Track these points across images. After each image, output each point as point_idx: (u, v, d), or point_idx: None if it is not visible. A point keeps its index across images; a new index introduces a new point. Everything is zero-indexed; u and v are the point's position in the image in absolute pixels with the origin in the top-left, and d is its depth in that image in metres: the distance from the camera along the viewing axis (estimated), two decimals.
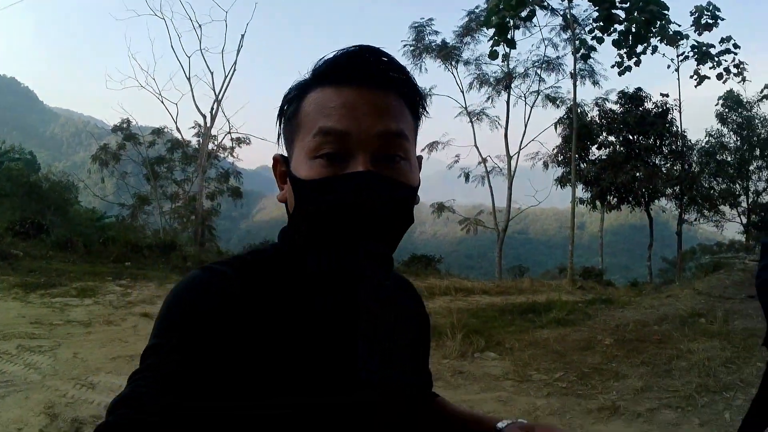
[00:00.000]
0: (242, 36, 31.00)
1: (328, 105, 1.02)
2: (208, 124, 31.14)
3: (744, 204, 29.36)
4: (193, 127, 35.93)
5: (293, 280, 1.06)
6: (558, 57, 29.13)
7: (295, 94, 1.11)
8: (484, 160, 30.31)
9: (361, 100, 1.02)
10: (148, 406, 0.81)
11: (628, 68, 24.62)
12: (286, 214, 1.15)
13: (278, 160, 1.16)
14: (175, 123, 46.17)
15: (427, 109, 1.16)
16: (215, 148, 34.17)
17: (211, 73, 30.70)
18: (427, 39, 29.46)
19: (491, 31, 24.66)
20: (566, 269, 23.30)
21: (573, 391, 7.04)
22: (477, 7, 28.05)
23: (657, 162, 28.42)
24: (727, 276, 13.84)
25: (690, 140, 29.41)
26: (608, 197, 27.66)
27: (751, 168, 28.90)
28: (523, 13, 23.97)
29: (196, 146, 34.84)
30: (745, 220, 29.38)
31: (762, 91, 29.44)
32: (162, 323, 0.95)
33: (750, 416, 4.17)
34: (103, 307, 10.92)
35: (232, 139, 35.16)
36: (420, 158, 1.18)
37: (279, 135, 1.16)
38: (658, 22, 23.25)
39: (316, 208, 1.01)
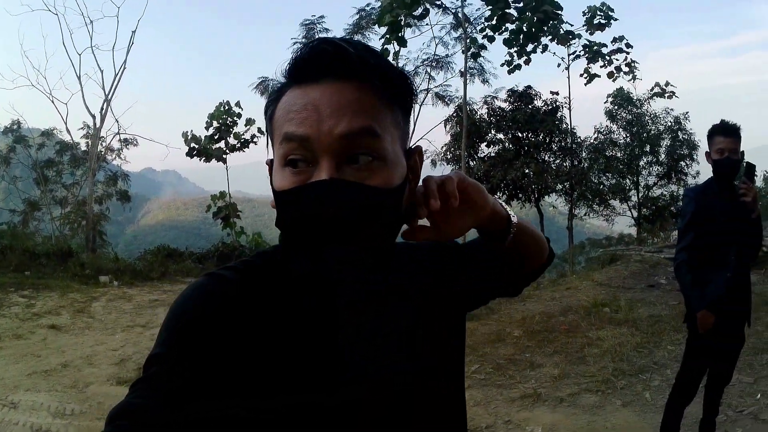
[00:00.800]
0: (133, 32, 30.03)
1: (292, 108, 0.99)
2: (98, 125, 30.07)
3: (634, 198, 30.43)
4: (82, 128, 34.63)
5: (283, 284, 1.05)
6: (448, 55, 29.34)
7: (274, 96, 1.06)
8: None
9: (324, 98, 0.97)
10: (147, 419, 0.81)
11: (518, 66, 25.09)
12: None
13: (268, 165, 1.11)
14: (65, 124, 44.58)
15: (414, 93, 1.11)
16: (103, 150, 33.04)
17: (101, 72, 29.59)
18: (317, 36, 29.30)
19: (383, 29, 24.90)
20: None
21: (492, 382, 7.16)
22: (368, 5, 27.97)
23: (547, 158, 29.14)
24: (625, 267, 14.39)
25: (579, 137, 30.28)
26: (498, 194, 28.16)
27: (641, 163, 29.94)
28: (417, 12, 24.18)
29: (86, 148, 33.54)
30: (635, 214, 30.44)
31: (653, 89, 30.63)
32: (164, 333, 0.94)
33: (674, 393, 4.36)
34: (9, 320, 10.48)
35: (120, 141, 34.08)
36: (419, 149, 1.16)
37: (267, 140, 1.11)
38: (551, 22, 23.89)
39: (285, 218, 0.99)
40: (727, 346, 4.44)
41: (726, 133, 4.27)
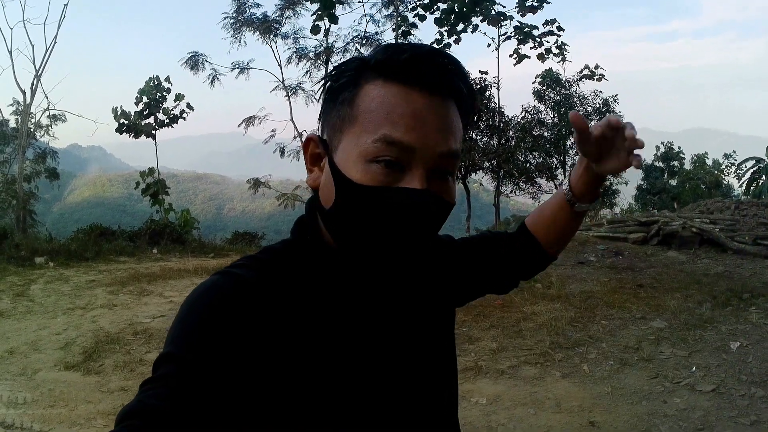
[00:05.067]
0: (65, 6, 29.03)
1: (396, 110, 0.97)
2: (28, 101, 29.08)
3: (561, 177, 31.12)
4: (11, 105, 33.39)
5: (305, 285, 1.05)
6: (378, 33, 29.41)
7: (350, 77, 1.03)
8: (300, 135, 30.27)
9: (431, 111, 0.98)
10: (160, 420, 0.80)
11: (448, 45, 25.42)
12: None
13: (315, 140, 1.11)
14: None
15: (475, 113, 1.16)
16: (33, 126, 31.97)
17: (32, 46, 28.61)
18: (248, 12, 28.86)
19: (315, 6, 24.85)
20: None
21: None
22: None
23: (474, 136, 29.48)
24: None
25: (507, 116, 30.78)
26: None
27: (568, 143, 30.61)
28: None
29: (15, 125, 32.36)
30: None
31: (582, 71, 31.31)
32: (177, 332, 0.93)
33: None
34: None
35: (49, 117, 33.05)
36: None
37: (321, 114, 1.11)
38: (484, 3, 24.19)
39: (364, 215, 0.99)
40: None
41: None
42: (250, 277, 1.00)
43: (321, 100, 1.10)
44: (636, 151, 1.20)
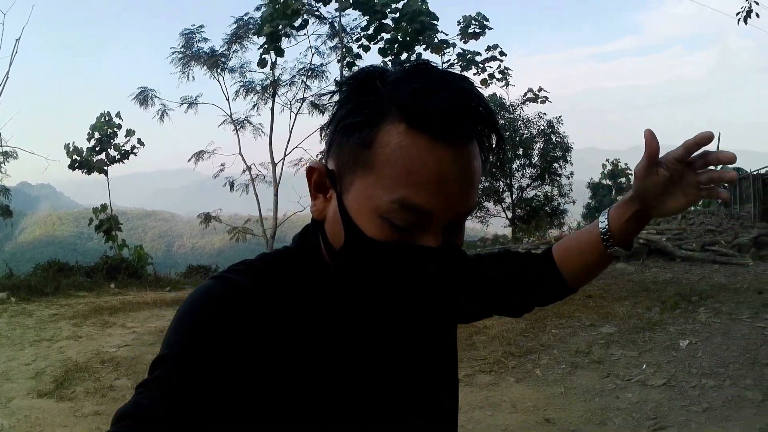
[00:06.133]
0: (17, 40, 28.54)
1: (420, 170, 0.87)
2: None
3: (508, 200, 31.51)
4: None
5: (301, 294, 1.03)
6: (323, 64, 29.69)
7: (369, 114, 0.92)
8: (249, 168, 30.26)
9: (456, 167, 0.89)
10: (152, 422, 0.81)
11: None
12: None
13: (321, 171, 1.01)
14: None
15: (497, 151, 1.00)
16: None
17: None
18: (195, 46, 28.96)
19: (261, 39, 24.97)
20: None
21: None
22: (246, 14, 27.93)
23: None
24: None
25: None
26: None
27: (515, 166, 31.04)
28: (297, 23, 24.42)
29: None
30: (510, 215, 31.52)
31: (525, 95, 31.85)
32: (172, 335, 0.92)
33: None
34: None
35: (1, 153, 32.45)
36: None
37: (330, 143, 1.00)
38: (427, 32, 24.52)
39: (377, 269, 0.95)
40: None
41: None
42: (244, 283, 0.98)
43: (330, 128, 1.00)
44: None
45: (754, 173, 27.98)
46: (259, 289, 0.98)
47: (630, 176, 45.71)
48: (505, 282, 1.37)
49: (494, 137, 0.95)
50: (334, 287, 1.03)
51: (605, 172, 47.37)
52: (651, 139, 1.10)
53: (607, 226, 1.26)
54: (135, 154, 29.13)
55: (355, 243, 0.94)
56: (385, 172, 0.89)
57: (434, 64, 0.97)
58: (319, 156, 28.22)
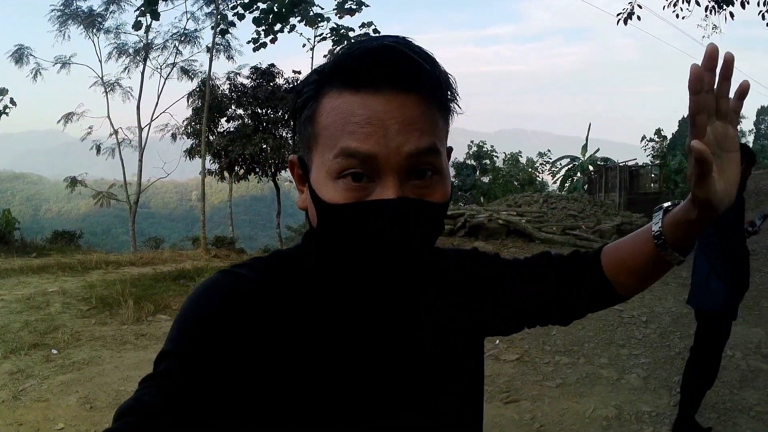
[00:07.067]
0: None
1: (351, 119, 0.89)
2: None
3: None
4: None
5: (308, 288, 1.02)
6: (197, 30, 29.44)
7: (311, 91, 0.97)
8: (116, 132, 29.57)
9: (390, 112, 0.89)
10: (153, 418, 0.81)
11: (264, 45, 25.53)
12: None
13: (295, 163, 1.06)
14: None
15: (458, 102, 1.01)
16: None
17: None
18: (75, 5, 28.04)
19: (139, 1, 24.37)
20: (198, 239, 23.85)
21: None
22: None
23: (285, 134, 29.77)
24: None
25: None
26: (236, 168, 28.41)
27: None
28: None
29: None
30: None
31: None
32: (176, 329, 0.93)
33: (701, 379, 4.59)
34: None
35: None
36: (450, 150, 1.05)
37: (294, 133, 1.05)
38: (303, 4, 24.50)
39: (342, 235, 0.94)
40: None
41: None
42: (251, 278, 0.98)
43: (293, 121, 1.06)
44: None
45: (621, 164, 29.62)
46: (267, 284, 0.98)
47: (495, 157, 46.89)
48: (554, 287, 1.24)
49: (431, 80, 0.93)
50: (333, 282, 1.02)
51: (470, 152, 47.98)
52: (702, 150, 0.86)
53: (660, 230, 1.07)
54: (7, 114, 28.05)
55: (320, 214, 0.95)
56: (325, 135, 0.92)
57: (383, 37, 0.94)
58: (185, 122, 27.79)
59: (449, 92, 0.98)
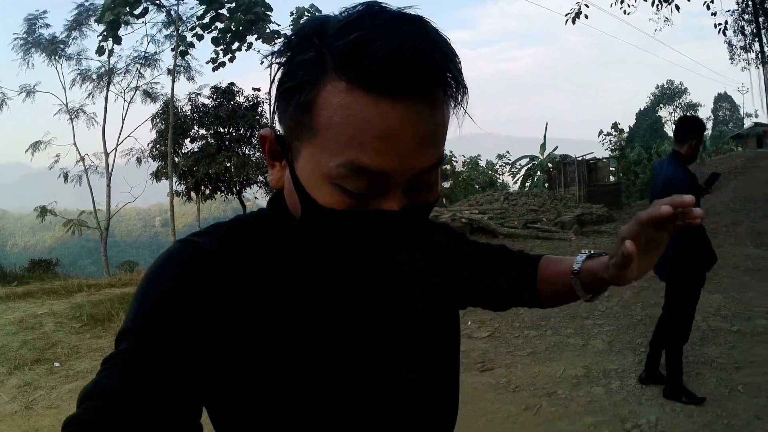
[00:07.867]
0: None
1: (364, 129, 0.79)
2: None
3: None
4: None
5: (270, 256, 0.98)
6: (157, 53, 29.74)
7: (307, 73, 0.82)
8: (83, 159, 29.61)
9: (407, 125, 0.79)
10: (112, 399, 0.77)
11: (223, 64, 25.72)
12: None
13: (269, 138, 0.96)
14: None
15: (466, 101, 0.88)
16: None
17: None
18: (37, 32, 28.14)
19: (101, 27, 24.57)
20: None
21: None
22: (87, 0, 27.53)
23: (248, 152, 29.81)
24: None
25: (279, 131, 31.35)
26: (202, 188, 28.50)
27: None
28: (137, 11, 24.22)
29: None
30: None
31: None
32: (135, 306, 0.87)
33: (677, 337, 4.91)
34: None
35: None
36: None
37: (276, 108, 0.91)
38: (260, 22, 24.85)
39: (337, 240, 0.90)
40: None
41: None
42: (209, 246, 0.93)
43: (275, 91, 0.89)
44: None
45: (580, 158, 30.14)
46: (225, 251, 0.94)
47: (455, 162, 46.79)
48: (499, 275, 1.33)
49: (454, 84, 0.83)
50: (300, 253, 0.98)
51: None
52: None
53: (579, 268, 1.18)
54: None
55: (310, 213, 0.89)
56: (328, 136, 0.81)
57: (385, 4, 0.84)
58: (149, 145, 27.80)
59: (463, 90, 0.85)
